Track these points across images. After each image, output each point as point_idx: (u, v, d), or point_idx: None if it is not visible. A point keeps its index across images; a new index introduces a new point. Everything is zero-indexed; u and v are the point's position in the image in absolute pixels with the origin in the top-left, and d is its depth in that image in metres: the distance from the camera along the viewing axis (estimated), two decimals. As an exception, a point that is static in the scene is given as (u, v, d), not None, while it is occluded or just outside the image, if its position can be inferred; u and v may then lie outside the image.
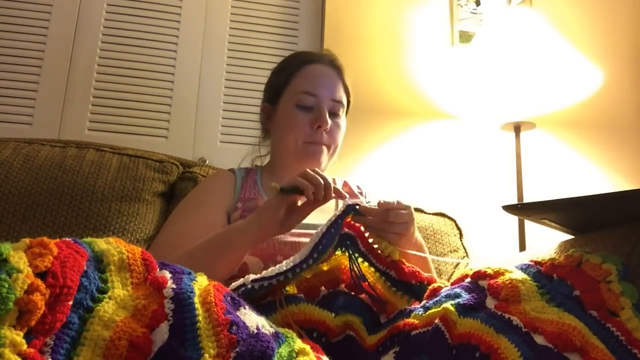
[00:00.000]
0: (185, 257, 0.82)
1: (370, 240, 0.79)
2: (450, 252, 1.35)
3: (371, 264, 0.77)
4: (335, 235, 0.73)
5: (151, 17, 1.84)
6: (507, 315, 0.55)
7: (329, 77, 1.06)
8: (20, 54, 1.73)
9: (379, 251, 0.77)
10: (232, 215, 1.00)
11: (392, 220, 0.78)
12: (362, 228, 0.79)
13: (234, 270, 0.85)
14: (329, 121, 1.02)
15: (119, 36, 1.81)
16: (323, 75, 1.06)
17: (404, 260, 0.76)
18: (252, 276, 0.66)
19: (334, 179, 1.17)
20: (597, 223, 0.82)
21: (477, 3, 2.02)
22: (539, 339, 0.52)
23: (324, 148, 1.04)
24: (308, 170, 0.79)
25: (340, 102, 1.06)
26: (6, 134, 1.44)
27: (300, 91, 1.03)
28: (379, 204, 0.79)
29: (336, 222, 0.74)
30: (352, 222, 0.79)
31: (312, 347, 0.52)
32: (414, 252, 0.82)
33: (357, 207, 0.78)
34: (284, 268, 0.67)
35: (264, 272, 0.67)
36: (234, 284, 0.66)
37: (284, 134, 1.05)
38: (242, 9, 1.92)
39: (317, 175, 0.77)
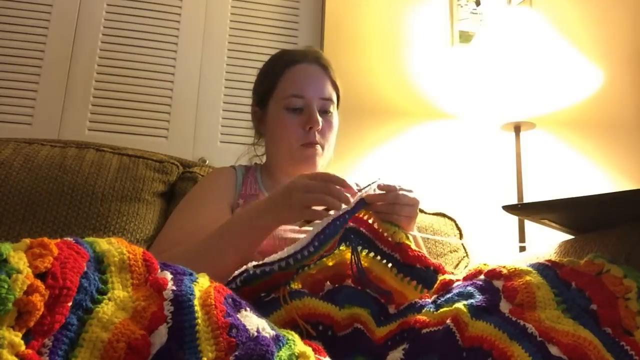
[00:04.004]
0: (193, 248, 0.83)
1: (376, 226, 0.79)
2: (450, 252, 1.35)
3: (377, 251, 0.76)
4: (340, 227, 0.73)
5: (151, 17, 1.84)
6: (521, 322, 0.54)
7: (315, 76, 1.05)
8: (20, 54, 1.73)
9: (384, 233, 0.77)
10: (233, 211, 1.00)
11: (400, 202, 0.79)
12: (371, 220, 0.79)
13: (249, 259, 0.85)
14: (320, 121, 1.01)
15: (119, 36, 1.81)
16: (309, 75, 1.04)
17: (410, 244, 0.76)
18: (253, 262, 0.67)
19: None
20: (597, 223, 0.82)
21: (477, 3, 2.02)
22: (554, 350, 0.50)
23: (318, 148, 1.03)
24: (332, 185, 0.76)
25: (329, 100, 1.05)
26: (6, 134, 1.44)
27: (287, 95, 1.02)
28: (379, 186, 0.81)
29: (343, 216, 0.73)
30: (358, 215, 0.78)
31: (314, 349, 0.51)
32: (417, 234, 0.84)
33: (364, 200, 0.78)
34: (285, 255, 0.67)
35: (265, 259, 0.68)
36: (236, 272, 0.66)
37: (277, 138, 1.05)
38: (242, 9, 1.91)
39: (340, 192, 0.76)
